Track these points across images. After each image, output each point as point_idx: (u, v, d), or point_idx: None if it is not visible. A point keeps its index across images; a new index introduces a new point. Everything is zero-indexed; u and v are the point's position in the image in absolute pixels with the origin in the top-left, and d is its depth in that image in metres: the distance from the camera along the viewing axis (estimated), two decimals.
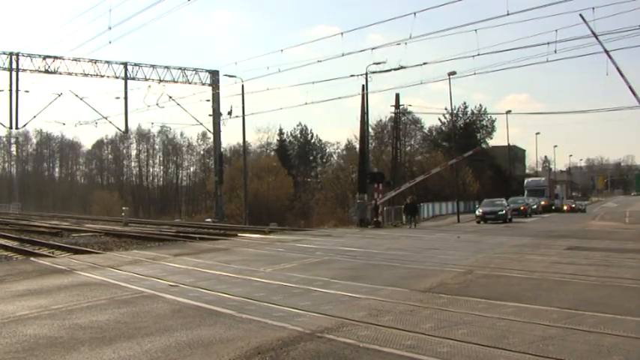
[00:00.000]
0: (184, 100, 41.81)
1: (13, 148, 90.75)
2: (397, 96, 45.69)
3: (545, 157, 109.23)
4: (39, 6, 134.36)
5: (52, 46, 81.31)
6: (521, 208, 41.25)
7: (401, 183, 48.44)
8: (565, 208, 56.14)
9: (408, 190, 40.83)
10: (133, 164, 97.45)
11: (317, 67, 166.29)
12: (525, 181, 58.94)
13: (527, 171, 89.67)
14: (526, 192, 54.62)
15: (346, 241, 20.31)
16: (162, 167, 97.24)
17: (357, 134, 40.30)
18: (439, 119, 71.51)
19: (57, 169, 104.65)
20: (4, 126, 38.83)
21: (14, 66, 36.94)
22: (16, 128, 39.97)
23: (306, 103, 51.98)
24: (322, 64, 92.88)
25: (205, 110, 45.33)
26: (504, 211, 34.79)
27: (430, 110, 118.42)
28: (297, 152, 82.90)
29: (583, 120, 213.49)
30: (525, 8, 23.34)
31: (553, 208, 54.03)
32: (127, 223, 35.18)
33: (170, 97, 40.91)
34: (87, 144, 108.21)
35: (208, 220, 44.55)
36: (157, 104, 39.98)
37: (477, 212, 35.89)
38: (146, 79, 40.78)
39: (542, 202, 51.93)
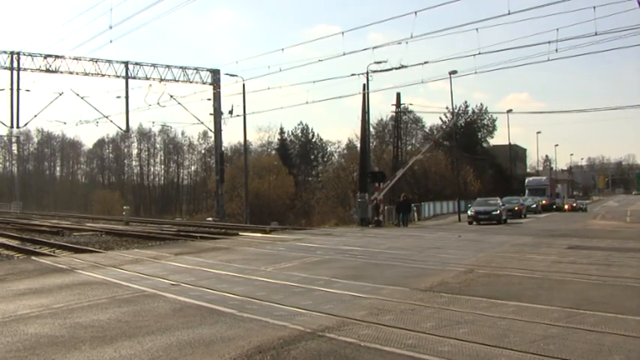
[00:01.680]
0: (185, 99, 41.80)
1: (14, 148, 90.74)
2: (398, 95, 45.72)
3: (547, 156, 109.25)
4: (40, 5, 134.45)
5: (53, 45, 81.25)
6: (516, 208, 39.17)
7: (402, 182, 48.41)
8: (566, 207, 56.10)
9: (406, 185, 40.70)
10: (134, 163, 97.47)
11: (318, 66, 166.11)
12: (526, 180, 58.80)
13: (528, 170, 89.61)
14: (527, 191, 54.53)
15: (347, 240, 20.31)
16: (163, 166, 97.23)
17: (358, 133, 40.29)
18: (440, 118, 71.48)
19: (58, 168, 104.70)
20: (5, 125, 38.90)
21: (15, 65, 36.95)
22: (17, 127, 40.03)
23: (307, 102, 51.77)
24: (323, 64, 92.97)
25: (206, 109, 45.34)
26: (498, 211, 32.57)
27: (431, 109, 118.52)
28: (298, 151, 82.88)
29: (584, 119, 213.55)
30: (526, 7, 23.29)
31: (554, 207, 53.94)
32: (128, 222, 35.20)
33: (171, 96, 40.91)
34: (88, 143, 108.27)
35: (209, 219, 44.56)
36: (158, 103, 39.97)
37: (468, 212, 33.69)
38: (147, 78, 40.78)
39: (543, 202, 51.71)
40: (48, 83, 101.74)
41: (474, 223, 31.93)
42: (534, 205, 46.51)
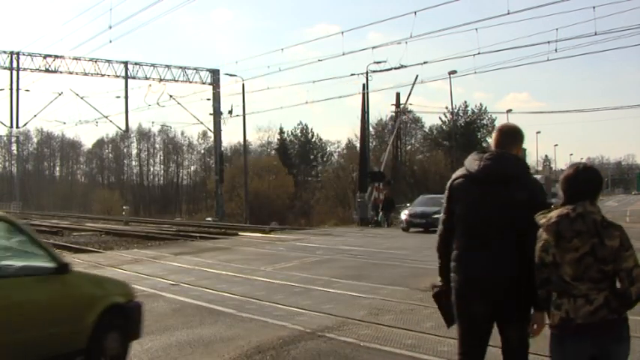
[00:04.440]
0: (185, 99, 41.70)
1: (14, 148, 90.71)
2: (398, 95, 45.56)
3: (546, 156, 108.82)
4: (40, 5, 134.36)
5: (52, 45, 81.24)
6: None
7: (402, 182, 48.37)
8: None
9: (406, 186, 40.30)
10: (133, 163, 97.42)
11: (317, 65, 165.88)
12: None
13: None
14: None
15: (347, 240, 20.30)
16: (162, 166, 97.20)
17: (358, 133, 40.30)
18: (440, 118, 71.46)
19: (57, 168, 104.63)
20: (4, 125, 38.82)
21: (15, 65, 36.86)
22: (17, 127, 39.95)
23: (306, 102, 52.11)
24: (323, 63, 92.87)
25: (206, 109, 45.30)
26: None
27: (430, 109, 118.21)
28: (298, 151, 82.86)
29: (583, 119, 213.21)
30: (526, 7, 23.39)
31: (552, 207, 53.47)
32: (128, 222, 35.17)
33: (171, 96, 40.82)
34: (87, 143, 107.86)
35: (209, 219, 44.53)
36: (158, 103, 39.91)
37: (402, 215, 25.51)
38: (147, 78, 40.69)
39: None
40: (47, 83, 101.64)
41: (411, 229, 23.70)
42: None
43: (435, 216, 22.06)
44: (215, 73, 43.87)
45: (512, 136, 3.56)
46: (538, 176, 67.16)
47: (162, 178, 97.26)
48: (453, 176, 3.60)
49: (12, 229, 5.09)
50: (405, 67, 25.58)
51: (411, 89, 36.32)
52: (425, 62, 25.13)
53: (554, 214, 3.02)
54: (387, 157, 37.02)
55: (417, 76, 33.62)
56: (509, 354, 3.60)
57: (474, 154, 3.55)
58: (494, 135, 3.63)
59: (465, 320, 3.50)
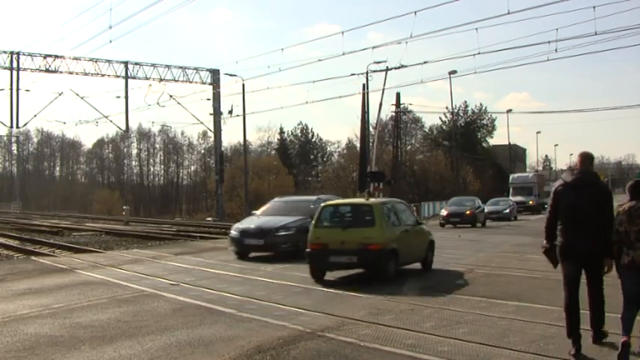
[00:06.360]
0: (185, 99, 41.65)
1: (14, 148, 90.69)
2: (398, 95, 45.70)
3: (546, 155, 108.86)
4: (40, 5, 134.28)
5: (52, 45, 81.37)
6: (467, 212, 28.41)
7: (402, 182, 48.32)
8: None
9: (406, 186, 39.96)
10: (133, 163, 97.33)
11: (317, 65, 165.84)
12: (510, 177, 50.35)
13: (527, 170, 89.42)
14: (511, 189, 48.47)
15: None
16: (162, 166, 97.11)
17: (358, 133, 40.34)
18: (440, 118, 71.47)
19: (57, 168, 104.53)
20: (5, 125, 38.82)
21: (15, 65, 36.86)
22: (17, 127, 39.93)
23: (306, 102, 52.24)
24: (323, 63, 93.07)
25: (206, 109, 45.28)
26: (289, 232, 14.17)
27: (431, 109, 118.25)
28: (298, 151, 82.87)
29: (583, 119, 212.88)
30: (526, 7, 23.39)
31: (546, 208, 49.92)
32: (128, 222, 35.18)
33: (171, 96, 40.78)
34: (87, 143, 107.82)
35: (209, 219, 44.54)
36: (158, 103, 39.87)
37: (232, 231, 15.15)
38: (147, 78, 40.67)
39: (530, 202, 44.76)
40: (48, 83, 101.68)
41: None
42: (507, 210, 34.53)
43: (282, 233, 13.96)
44: (215, 73, 43.85)
45: (588, 158, 6.08)
46: (527, 174, 62.20)
47: (162, 178, 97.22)
48: (556, 184, 6.25)
49: (405, 206, 12.61)
50: (406, 66, 25.60)
51: (384, 82, 34.27)
52: (425, 62, 25.04)
53: (626, 206, 5.60)
54: (375, 152, 36.72)
55: (386, 73, 31.24)
56: (591, 288, 5.90)
57: (568, 171, 6.71)
58: (577, 159, 6.11)
59: (565, 263, 5.98)
